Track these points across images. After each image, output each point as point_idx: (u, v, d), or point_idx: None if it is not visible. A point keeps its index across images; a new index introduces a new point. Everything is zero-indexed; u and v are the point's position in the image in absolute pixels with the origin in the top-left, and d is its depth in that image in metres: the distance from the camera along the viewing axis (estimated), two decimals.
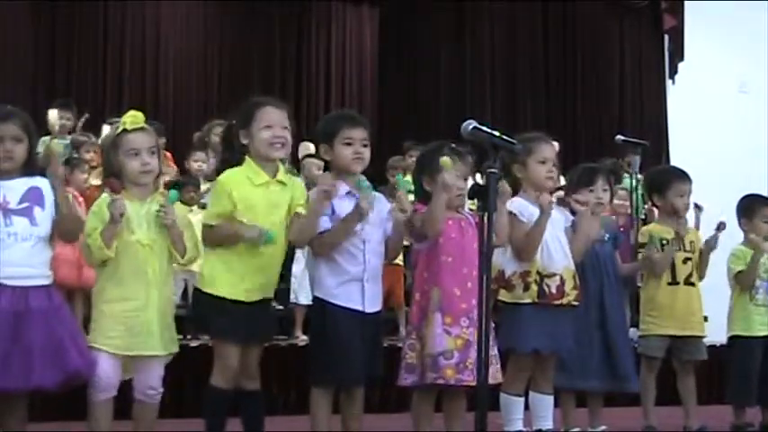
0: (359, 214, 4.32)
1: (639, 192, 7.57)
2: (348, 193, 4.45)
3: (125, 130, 4.29)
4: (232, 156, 4.50)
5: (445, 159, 4.45)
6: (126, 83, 11.14)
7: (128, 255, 4.20)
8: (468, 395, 4.60)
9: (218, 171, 4.56)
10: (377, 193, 4.57)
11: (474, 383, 4.40)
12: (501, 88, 12.12)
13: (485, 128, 3.71)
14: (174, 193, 4.32)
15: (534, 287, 4.93)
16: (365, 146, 4.53)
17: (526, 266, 4.94)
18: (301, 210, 4.44)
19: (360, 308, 4.42)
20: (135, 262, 4.21)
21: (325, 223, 4.39)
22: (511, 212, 4.86)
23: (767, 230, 6.09)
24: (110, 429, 4.24)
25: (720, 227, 5.90)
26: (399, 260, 4.84)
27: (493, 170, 3.62)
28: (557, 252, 5.02)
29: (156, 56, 11.38)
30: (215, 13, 11.71)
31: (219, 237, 4.34)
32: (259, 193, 4.37)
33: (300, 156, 8.82)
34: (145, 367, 4.28)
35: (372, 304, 4.48)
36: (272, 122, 4.43)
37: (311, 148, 8.41)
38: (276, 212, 4.40)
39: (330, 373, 4.39)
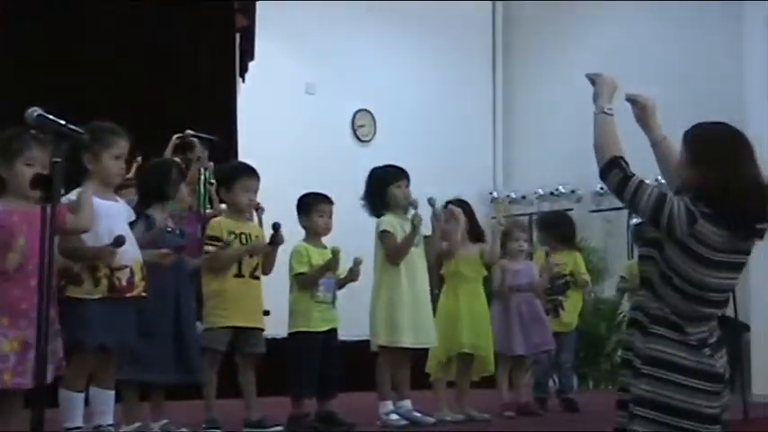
0: None
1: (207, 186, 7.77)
2: None
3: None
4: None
5: None
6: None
7: None
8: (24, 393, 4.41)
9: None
10: None
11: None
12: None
13: (50, 116, 3.59)
14: None
15: (105, 281, 4.88)
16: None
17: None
18: None
19: None
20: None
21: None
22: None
23: (323, 224, 6.40)
24: None
25: (277, 226, 6.12)
26: None
27: (57, 160, 3.51)
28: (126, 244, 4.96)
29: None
30: None
31: None
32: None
33: None
34: None
35: None
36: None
37: None
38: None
39: None
